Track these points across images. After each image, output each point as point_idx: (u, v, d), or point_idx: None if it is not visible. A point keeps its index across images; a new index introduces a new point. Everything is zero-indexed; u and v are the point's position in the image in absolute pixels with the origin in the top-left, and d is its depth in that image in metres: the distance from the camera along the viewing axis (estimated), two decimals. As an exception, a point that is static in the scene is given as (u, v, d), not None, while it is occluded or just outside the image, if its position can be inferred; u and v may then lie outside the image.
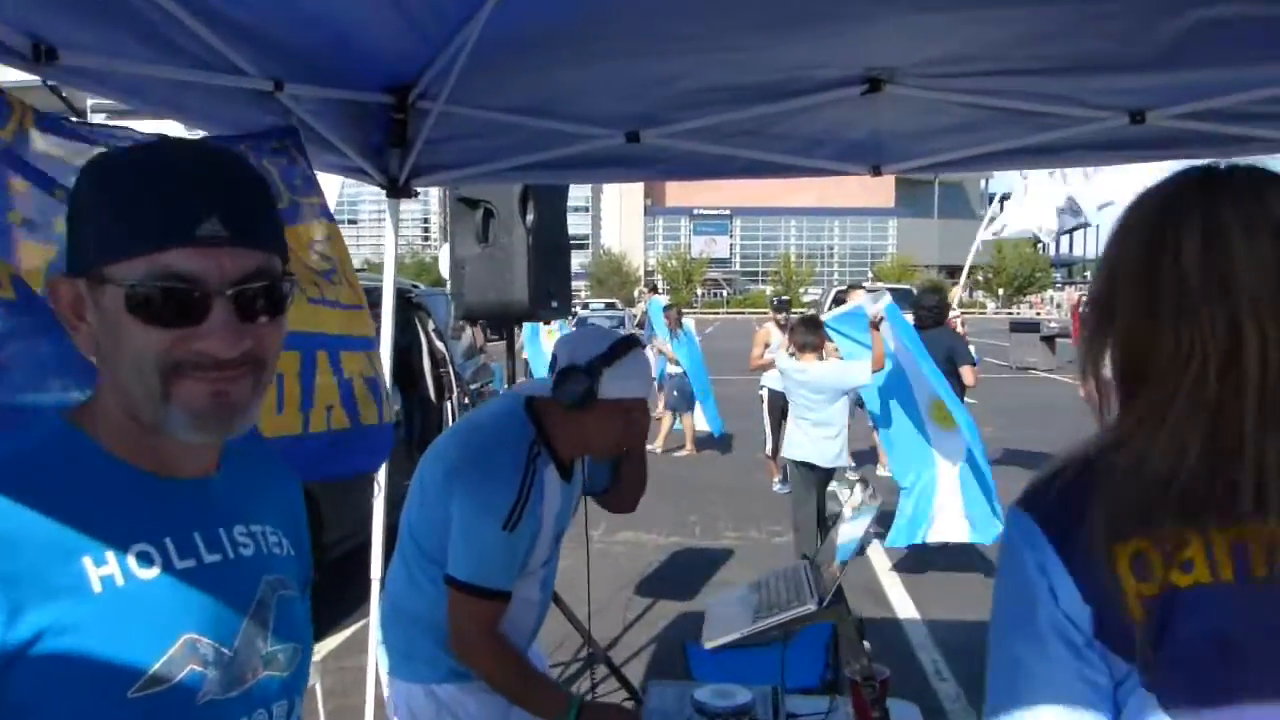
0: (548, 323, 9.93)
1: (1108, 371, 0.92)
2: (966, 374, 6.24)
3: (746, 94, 2.43)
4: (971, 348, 6.76)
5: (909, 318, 6.63)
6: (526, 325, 10.43)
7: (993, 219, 9.76)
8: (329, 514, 4.97)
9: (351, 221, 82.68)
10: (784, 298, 9.10)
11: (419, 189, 2.78)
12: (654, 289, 14.69)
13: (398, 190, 2.70)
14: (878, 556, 6.15)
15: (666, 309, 11.28)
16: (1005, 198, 9.28)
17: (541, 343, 10.87)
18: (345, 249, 2.38)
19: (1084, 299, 1.05)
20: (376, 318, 7.69)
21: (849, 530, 2.02)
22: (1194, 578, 0.81)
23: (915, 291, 7.22)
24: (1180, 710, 0.81)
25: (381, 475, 3.82)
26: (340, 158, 2.52)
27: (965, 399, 6.38)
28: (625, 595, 5.40)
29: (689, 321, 10.92)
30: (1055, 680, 0.86)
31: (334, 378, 2.27)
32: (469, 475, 1.87)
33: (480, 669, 1.88)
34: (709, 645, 1.85)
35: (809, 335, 5.62)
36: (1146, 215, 0.91)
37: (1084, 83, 2.25)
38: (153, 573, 0.88)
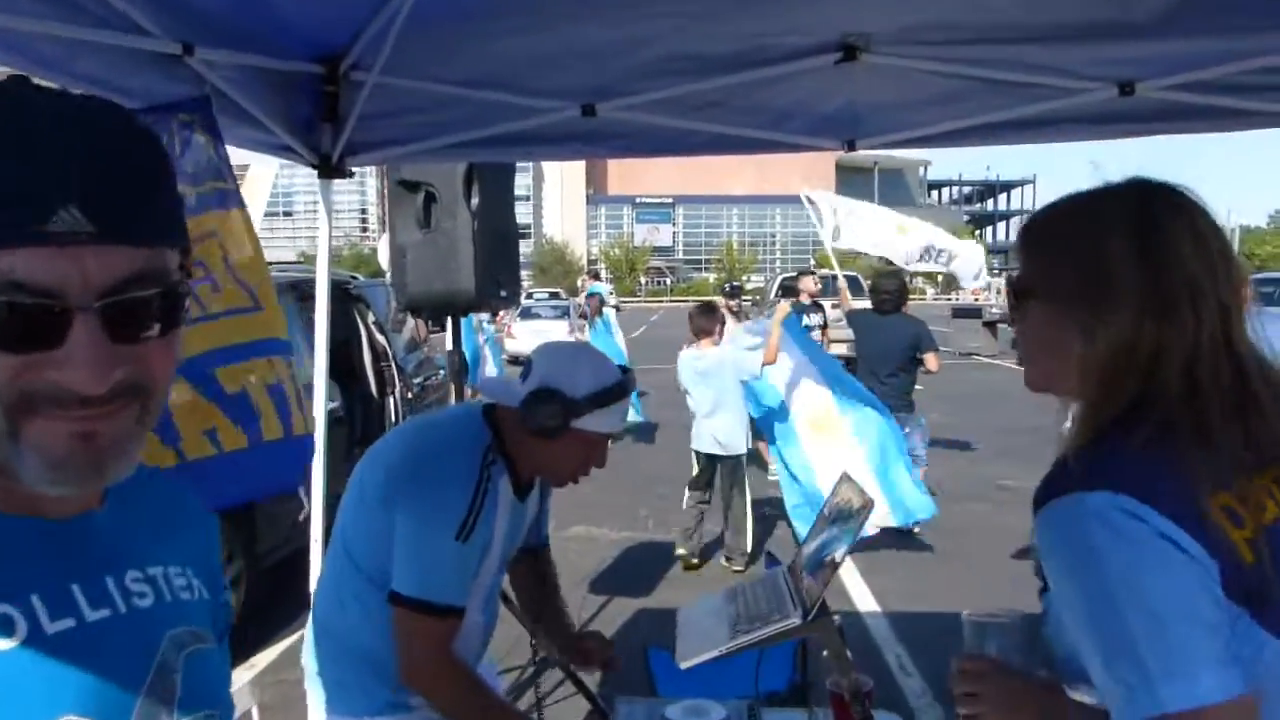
0: (490, 313, 9.63)
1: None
2: (930, 360, 6.19)
3: (711, 63, 2.24)
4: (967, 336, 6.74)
5: (867, 303, 6.55)
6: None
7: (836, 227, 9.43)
8: (262, 521, 4.71)
9: (287, 214, 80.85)
10: (735, 284, 8.95)
11: (354, 169, 2.55)
12: (596, 275, 14.48)
13: (330, 170, 2.47)
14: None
15: (589, 296, 11.14)
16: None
17: (475, 336, 10.51)
18: (246, 239, 2.11)
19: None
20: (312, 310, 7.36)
21: (826, 538, 1.86)
22: (1272, 514, 0.97)
23: (862, 278, 7.14)
24: None
25: (318, 476, 3.58)
26: (264, 134, 2.27)
27: (917, 385, 6.34)
28: (580, 594, 5.21)
29: (610, 311, 10.74)
30: (1214, 634, 0.91)
31: (208, 398, 2.03)
32: (417, 479, 1.67)
33: (435, 697, 1.69)
34: (684, 664, 1.67)
35: (704, 321, 5.65)
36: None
37: (1072, 52, 2.11)
38: (12, 642, 0.67)
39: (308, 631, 1.85)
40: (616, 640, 4.56)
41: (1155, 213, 1.05)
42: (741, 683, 2.04)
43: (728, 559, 5.68)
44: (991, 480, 8.06)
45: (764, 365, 5.37)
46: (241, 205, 2.08)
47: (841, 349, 13.48)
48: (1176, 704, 0.89)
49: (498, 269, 3.40)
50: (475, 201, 3.26)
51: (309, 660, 1.84)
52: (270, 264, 6.63)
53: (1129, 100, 2.17)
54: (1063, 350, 1.09)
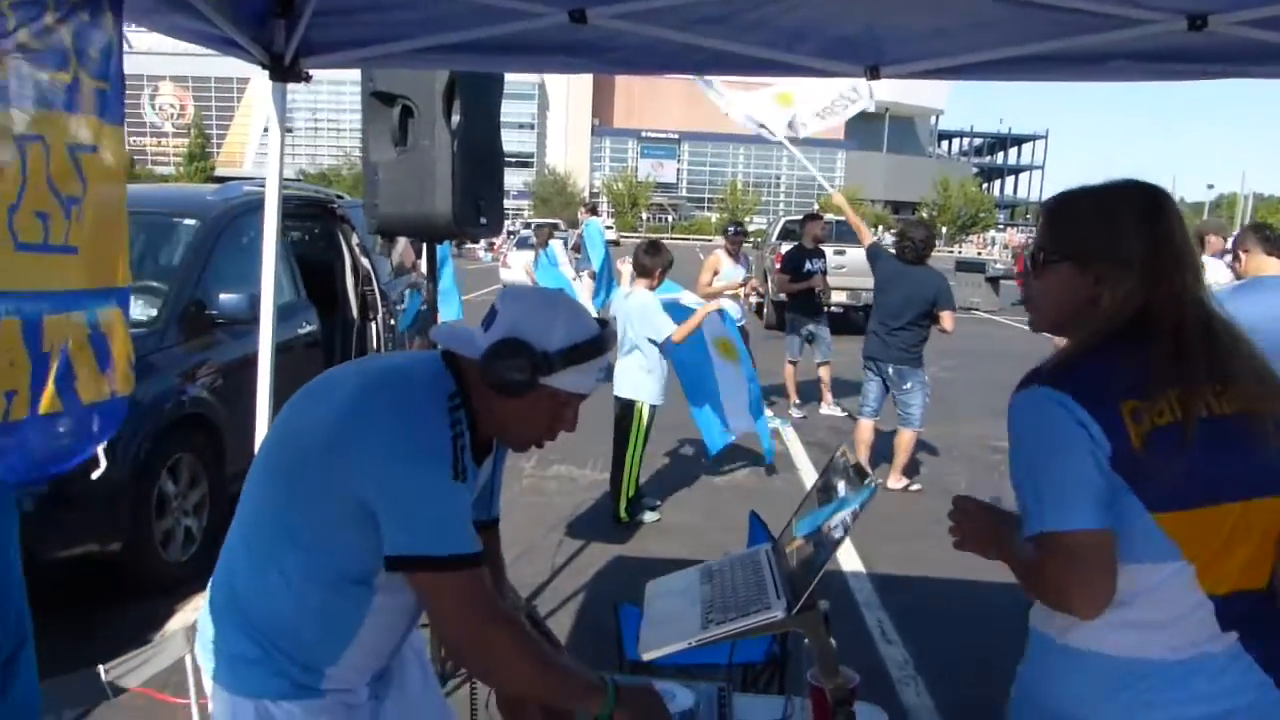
0: (464, 242, 9.30)
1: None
2: (946, 319, 5.97)
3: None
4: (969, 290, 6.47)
5: (892, 250, 6.29)
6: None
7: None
8: (231, 440, 4.51)
9: (287, 130, 78.96)
10: (739, 225, 8.60)
11: (310, 70, 2.27)
12: (593, 209, 13.99)
13: (283, 72, 2.20)
14: (822, 502, 5.89)
15: (538, 227, 10.84)
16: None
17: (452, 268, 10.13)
18: (116, 160, 1.79)
19: (1032, 244, 1.59)
20: (307, 225, 7.08)
21: (819, 515, 1.65)
22: (1167, 420, 1.36)
23: (866, 224, 6.79)
24: (1163, 505, 1.35)
25: (264, 411, 3.36)
26: (205, 26, 1.99)
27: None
28: (556, 537, 5.05)
29: (556, 244, 10.42)
30: (1095, 493, 1.34)
31: (27, 355, 1.74)
32: (388, 424, 1.42)
33: (497, 664, 1.45)
34: (647, 655, 1.48)
35: (647, 260, 5.32)
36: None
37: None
38: None
39: (206, 597, 1.62)
40: (588, 588, 4.47)
41: (1158, 202, 1.45)
42: (716, 650, 1.85)
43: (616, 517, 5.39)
44: (983, 441, 7.89)
45: (671, 339, 5.12)
46: (119, 122, 1.75)
47: (841, 296, 13.30)
48: (1053, 525, 1.36)
49: (479, 193, 3.14)
50: (457, 119, 2.99)
51: (204, 626, 1.61)
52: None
53: (1197, 36, 1.89)
54: (1073, 302, 1.48)
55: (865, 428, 6.40)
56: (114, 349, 1.90)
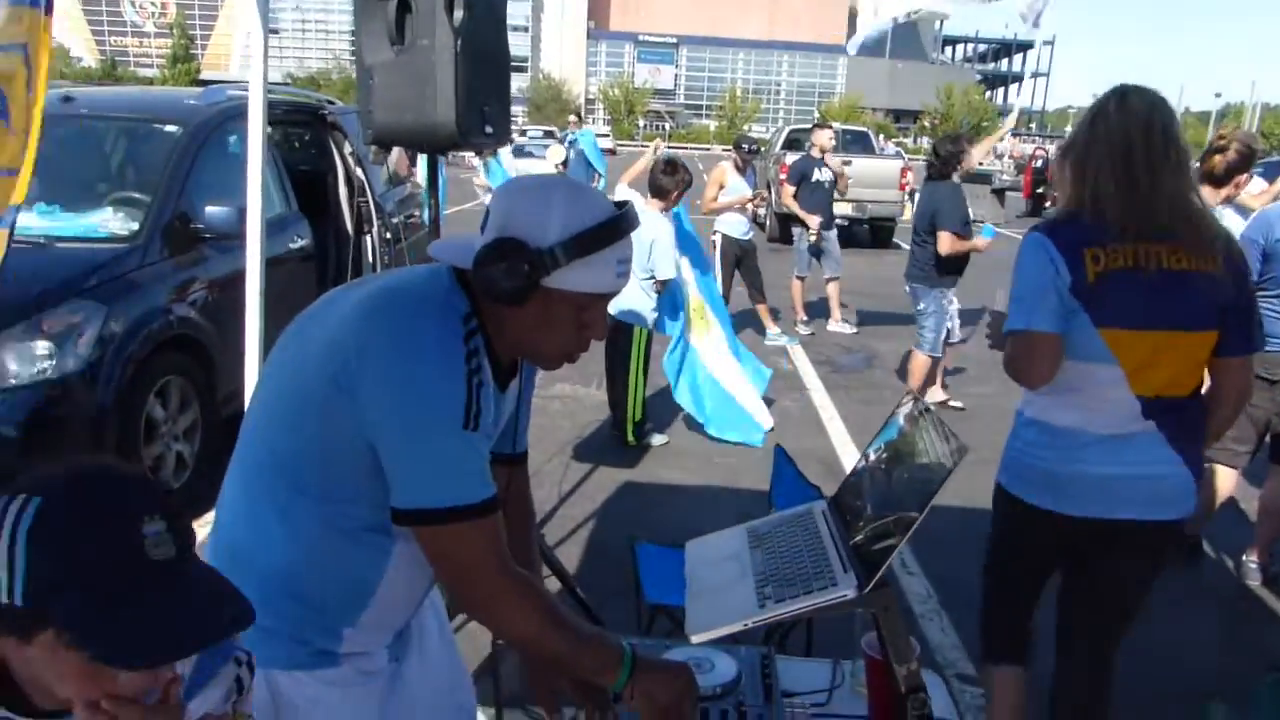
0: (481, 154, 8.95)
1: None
2: (941, 240, 5.52)
3: None
4: (973, 211, 6.06)
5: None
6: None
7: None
8: (222, 364, 4.30)
9: (273, 31, 76.68)
10: (752, 140, 8.16)
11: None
12: (580, 118, 13.41)
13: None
14: (834, 426, 5.75)
15: (569, 142, 10.51)
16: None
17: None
18: (36, 59, 1.51)
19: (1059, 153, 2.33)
20: (297, 133, 6.76)
21: (890, 478, 1.46)
22: (1120, 265, 1.94)
23: (873, 134, 6.47)
24: (1105, 323, 1.94)
25: (254, 329, 3.15)
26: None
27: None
28: (562, 460, 4.90)
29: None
30: (1050, 308, 1.96)
31: None
32: (394, 359, 1.23)
33: (503, 622, 1.32)
34: (696, 638, 1.30)
35: (663, 179, 5.01)
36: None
37: None
38: None
39: (207, 549, 1.42)
40: (597, 514, 4.34)
41: (1101, 105, 2.04)
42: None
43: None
44: (998, 360, 7.71)
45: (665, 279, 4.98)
46: (50, 11, 1.48)
47: (846, 209, 12.98)
48: (1019, 325, 2.00)
49: (484, 99, 2.86)
50: (459, 15, 2.69)
51: None
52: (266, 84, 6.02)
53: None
54: (1071, 186, 2.06)
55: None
56: None
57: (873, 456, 1.50)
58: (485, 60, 2.85)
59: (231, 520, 1.40)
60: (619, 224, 1.31)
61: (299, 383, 1.30)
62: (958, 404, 6.18)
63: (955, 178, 5.71)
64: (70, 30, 69.25)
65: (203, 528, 1.66)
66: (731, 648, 1.68)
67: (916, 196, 6.01)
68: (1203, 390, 2.09)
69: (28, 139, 1.56)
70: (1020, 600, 2.31)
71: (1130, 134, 1.96)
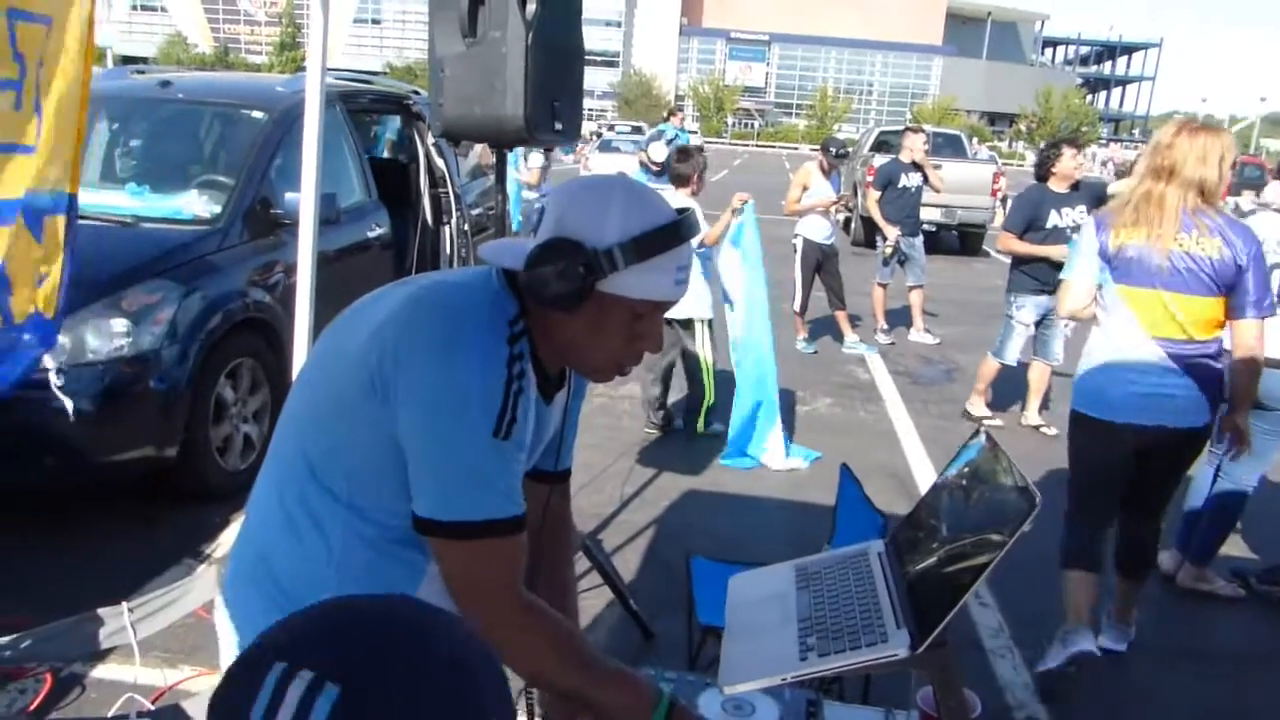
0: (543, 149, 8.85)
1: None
2: (999, 239, 5.67)
3: None
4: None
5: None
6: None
7: None
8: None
9: (375, 21, 78.72)
10: (842, 145, 7.94)
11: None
12: (672, 114, 13.17)
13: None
14: (910, 442, 5.55)
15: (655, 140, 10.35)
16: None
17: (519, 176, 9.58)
18: (76, 39, 1.45)
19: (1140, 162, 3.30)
20: (382, 122, 6.84)
21: (953, 527, 1.33)
22: (1133, 240, 2.95)
23: (965, 136, 6.34)
24: (1121, 280, 2.98)
25: (304, 326, 3.12)
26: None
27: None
28: (626, 464, 4.83)
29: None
30: (1089, 261, 3.05)
31: None
32: (430, 360, 1.17)
33: (521, 653, 1.20)
34: (730, 689, 1.20)
35: (680, 167, 5.12)
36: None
37: None
38: None
39: (233, 553, 1.38)
40: (657, 523, 4.24)
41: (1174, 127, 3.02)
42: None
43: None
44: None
45: (702, 244, 4.95)
46: None
47: (935, 215, 12.61)
48: (1065, 274, 3.23)
49: (555, 94, 2.79)
50: (532, 8, 2.63)
51: (229, 592, 1.36)
52: (355, 72, 6.00)
53: None
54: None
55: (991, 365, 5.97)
56: (49, 267, 1.63)
57: (938, 494, 1.37)
58: (557, 54, 2.79)
59: (260, 521, 1.34)
60: (679, 228, 1.24)
61: (335, 380, 1.25)
62: (1050, 430, 5.76)
63: (1052, 183, 5.54)
64: (188, 18, 72.17)
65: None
66: (776, 689, 1.57)
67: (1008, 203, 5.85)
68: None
69: (40, 117, 1.51)
70: (1096, 505, 3.21)
71: None
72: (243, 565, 1.35)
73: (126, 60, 37.02)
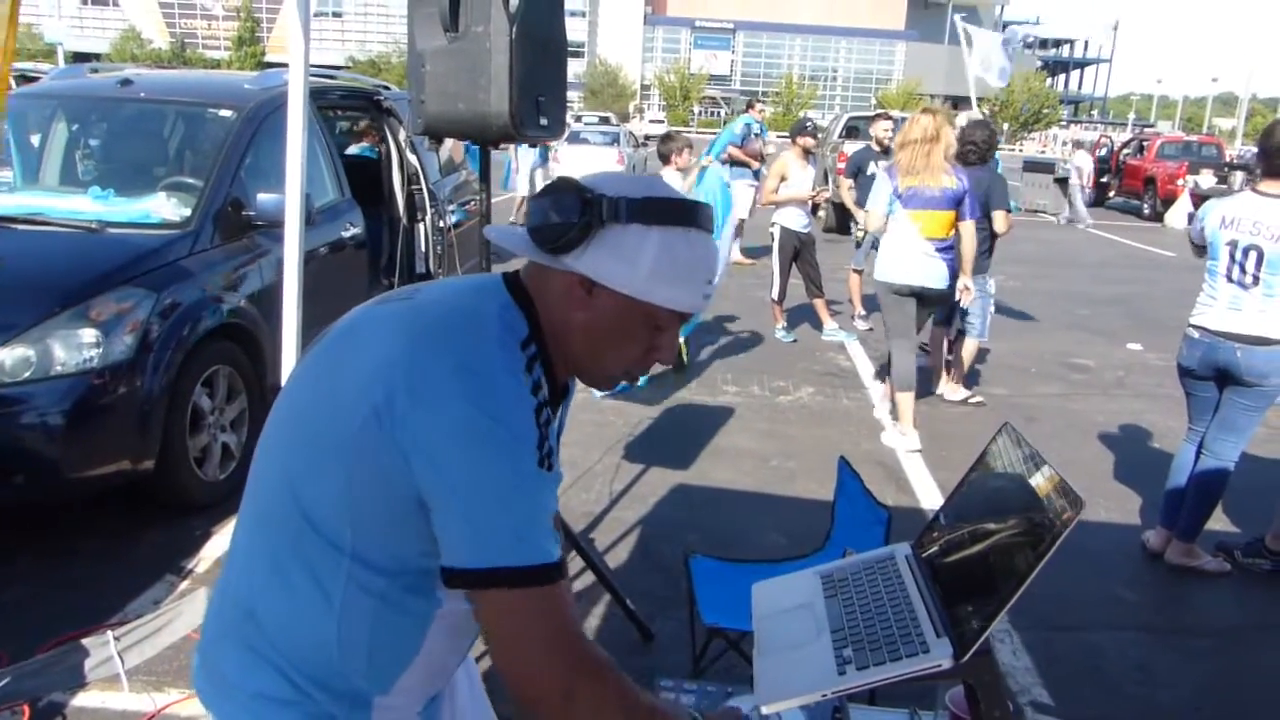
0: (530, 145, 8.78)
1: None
2: (999, 219, 5.71)
3: None
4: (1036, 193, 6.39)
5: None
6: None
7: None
8: (271, 351, 4.23)
9: (336, 14, 77.62)
10: (815, 122, 7.99)
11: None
12: (750, 106, 12.98)
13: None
14: (884, 409, 5.54)
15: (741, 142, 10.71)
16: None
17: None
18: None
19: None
20: (342, 120, 6.74)
21: (983, 531, 1.30)
22: (912, 182, 4.99)
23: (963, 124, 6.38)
24: (906, 207, 4.99)
25: (291, 329, 3.05)
26: None
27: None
28: (613, 461, 4.78)
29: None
30: (887, 194, 5.06)
31: None
32: (453, 394, 1.07)
33: (585, 713, 1.09)
34: (767, 709, 1.15)
35: (662, 147, 6.21)
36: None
37: None
38: None
39: (210, 612, 1.28)
40: (647, 520, 4.20)
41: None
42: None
43: None
44: (1062, 358, 7.44)
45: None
46: None
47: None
48: (869, 206, 5.39)
49: (540, 89, 2.73)
50: (515, 1, 2.56)
51: (211, 653, 1.25)
52: (318, 67, 5.88)
53: None
54: None
55: (934, 335, 6.27)
56: None
57: (966, 495, 1.34)
58: (541, 48, 2.72)
59: (244, 574, 1.22)
60: (691, 206, 1.19)
61: (329, 417, 1.12)
62: (976, 399, 6.20)
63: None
64: (143, 13, 70.78)
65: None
66: (803, 695, 1.53)
67: None
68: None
69: None
70: (904, 329, 5.24)
71: None
72: (225, 624, 1.24)
73: (78, 57, 36.20)
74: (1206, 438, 3.91)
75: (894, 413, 5.31)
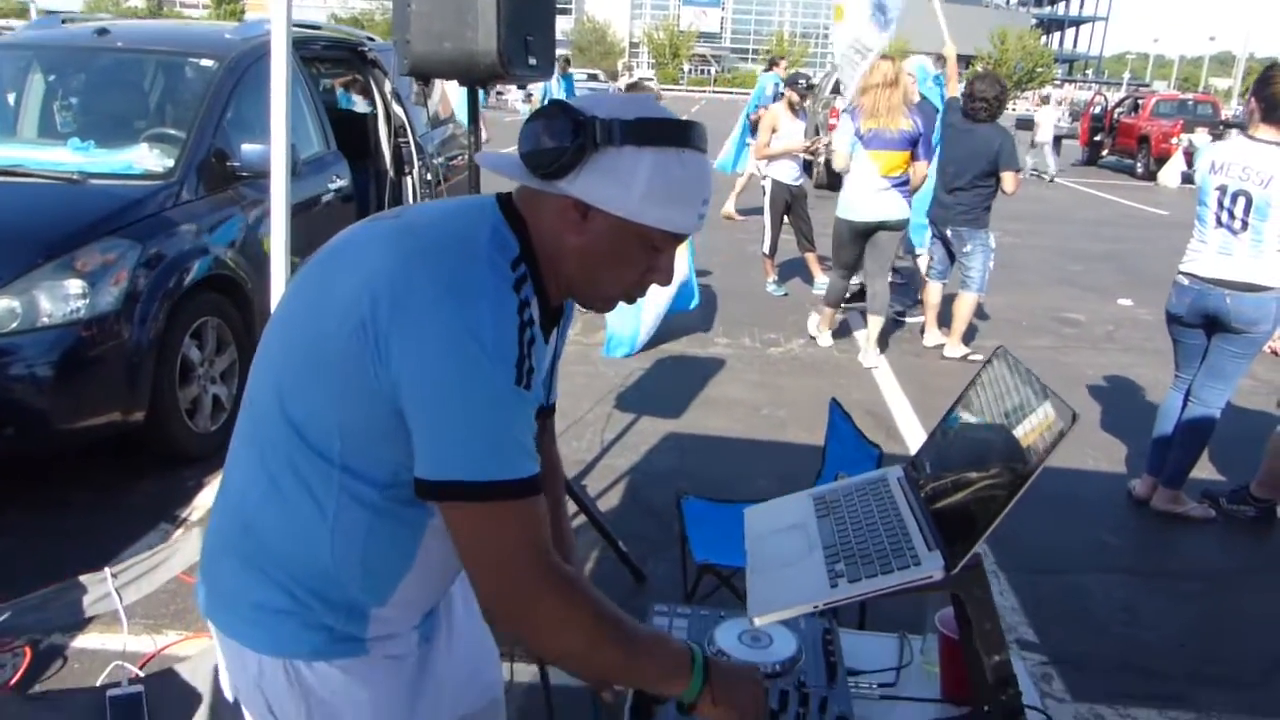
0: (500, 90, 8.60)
1: None
2: (1008, 180, 5.67)
3: None
4: (1023, 151, 6.24)
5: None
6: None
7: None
8: (259, 302, 4.19)
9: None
10: (805, 75, 7.90)
11: None
12: (774, 64, 12.72)
13: None
14: (884, 378, 5.57)
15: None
16: None
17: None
18: None
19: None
20: (325, 79, 6.65)
21: (989, 427, 1.30)
22: (868, 126, 5.48)
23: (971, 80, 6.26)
24: (868, 147, 5.50)
25: (280, 272, 3.03)
26: None
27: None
28: (604, 410, 4.78)
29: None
30: (848, 139, 5.62)
31: None
32: (437, 310, 1.06)
33: (556, 635, 1.13)
34: (760, 620, 1.16)
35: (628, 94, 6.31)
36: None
37: None
38: None
39: (210, 529, 1.29)
40: (639, 468, 4.23)
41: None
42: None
43: None
44: (1053, 313, 7.46)
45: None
46: None
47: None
48: (835, 146, 6.15)
49: (528, 28, 2.68)
50: (501, -65, 2.51)
51: (211, 567, 1.27)
52: (302, 23, 5.81)
53: None
54: None
55: (933, 290, 6.23)
56: None
57: (958, 415, 1.34)
58: (529, -15, 2.67)
59: (241, 488, 1.23)
60: (684, 126, 1.16)
61: (316, 331, 1.12)
62: (976, 357, 6.12)
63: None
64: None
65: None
66: (791, 620, 1.55)
67: (950, 140, 5.90)
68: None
69: None
70: (848, 261, 5.95)
71: None
72: (224, 537, 1.25)
73: (50, 15, 35.41)
74: (1194, 385, 3.93)
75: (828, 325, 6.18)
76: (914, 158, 5.47)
